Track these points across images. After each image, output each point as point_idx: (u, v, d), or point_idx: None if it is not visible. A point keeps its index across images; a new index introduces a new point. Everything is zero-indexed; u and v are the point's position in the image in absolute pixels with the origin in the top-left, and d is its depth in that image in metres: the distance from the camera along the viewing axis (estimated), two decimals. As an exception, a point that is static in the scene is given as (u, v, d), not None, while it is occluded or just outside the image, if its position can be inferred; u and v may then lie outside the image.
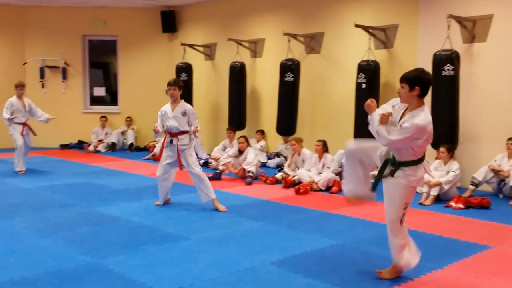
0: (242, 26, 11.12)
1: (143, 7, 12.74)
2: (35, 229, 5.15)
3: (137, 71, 13.05)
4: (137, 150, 12.41)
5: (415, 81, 3.48)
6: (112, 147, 12.44)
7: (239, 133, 9.98)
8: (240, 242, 4.76)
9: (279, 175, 8.08)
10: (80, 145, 12.78)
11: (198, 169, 6.11)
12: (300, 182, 7.61)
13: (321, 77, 9.68)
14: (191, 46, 11.82)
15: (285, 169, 8.27)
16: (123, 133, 12.73)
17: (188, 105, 6.21)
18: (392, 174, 3.63)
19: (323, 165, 7.75)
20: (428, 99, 4.58)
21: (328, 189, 7.43)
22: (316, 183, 7.46)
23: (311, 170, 7.80)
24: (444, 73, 7.25)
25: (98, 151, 12.30)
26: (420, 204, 6.48)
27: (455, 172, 6.73)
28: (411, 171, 3.59)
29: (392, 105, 3.72)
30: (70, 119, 12.87)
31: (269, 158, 10.07)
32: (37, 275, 3.81)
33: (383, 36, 8.72)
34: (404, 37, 8.48)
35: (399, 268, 3.83)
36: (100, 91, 13.65)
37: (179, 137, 6.09)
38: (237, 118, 10.63)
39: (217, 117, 11.74)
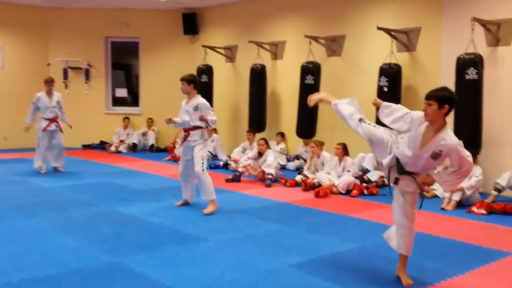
0: (263, 29, 11.14)
1: (165, 9, 12.86)
2: (57, 227, 5.23)
3: (158, 73, 13.17)
4: (158, 151, 12.51)
5: (445, 99, 3.49)
6: (133, 148, 12.58)
7: (259, 135, 10.00)
8: (259, 244, 4.77)
9: (298, 178, 8.06)
10: (102, 146, 12.94)
11: (197, 168, 6.00)
12: (319, 185, 7.59)
13: (342, 80, 9.62)
14: (212, 48, 11.88)
15: (305, 171, 8.24)
16: (144, 134, 12.87)
17: (201, 99, 6.10)
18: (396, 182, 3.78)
19: (343, 168, 7.71)
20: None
21: (348, 192, 7.39)
22: (336, 186, 7.43)
23: (331, 173, 7.77)
24: (467, 77, 7.17)
25: (120, 152, 12.43)
26: (442, 209, 6.41)
27: (477, 177, 6.64)
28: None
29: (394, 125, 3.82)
30: (92, 120, 13.08)
31: (288, 161, 10.06)
32: (60, 273, 3.86)
33: (406, 39, 8.64)
34: (427, 40, 8.40)
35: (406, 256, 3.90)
36: (122, 92, 13.81)
37: (191, 132, 6.09)
38: (257, 120, 10.64)
39: (237, 119, 11.77)
